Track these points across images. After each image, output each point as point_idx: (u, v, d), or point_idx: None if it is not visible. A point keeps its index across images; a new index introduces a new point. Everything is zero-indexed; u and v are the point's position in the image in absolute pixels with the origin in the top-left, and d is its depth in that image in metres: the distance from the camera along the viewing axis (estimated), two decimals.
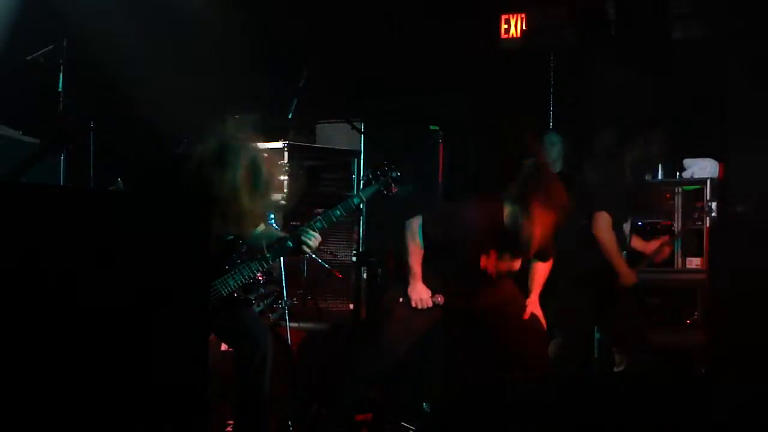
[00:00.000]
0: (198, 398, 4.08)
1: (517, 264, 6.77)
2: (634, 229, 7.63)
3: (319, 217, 6.13)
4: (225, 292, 5.86)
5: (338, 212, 6.20)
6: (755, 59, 8.81)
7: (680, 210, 8.63)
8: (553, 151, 8.48)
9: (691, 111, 9.07)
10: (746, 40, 8.96)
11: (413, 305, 6.73)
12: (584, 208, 7.27)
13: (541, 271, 6.95)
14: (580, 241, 7.25)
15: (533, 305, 6.92)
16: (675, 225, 8.50)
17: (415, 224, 6.71)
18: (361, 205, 6.75)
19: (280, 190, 7.84)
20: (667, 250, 7.82)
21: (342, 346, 7.83)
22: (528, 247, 6.51)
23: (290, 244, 6.00)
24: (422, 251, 6.70)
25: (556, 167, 8.46)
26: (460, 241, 6.68)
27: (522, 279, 6.94)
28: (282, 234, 6.23)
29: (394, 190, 6.54)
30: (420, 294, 6.73)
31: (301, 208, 7.95)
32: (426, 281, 6.74)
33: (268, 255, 5.99)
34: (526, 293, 6.94)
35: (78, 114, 7.79)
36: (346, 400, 7.10)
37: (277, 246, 6.01)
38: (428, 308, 6.79)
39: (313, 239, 6.00)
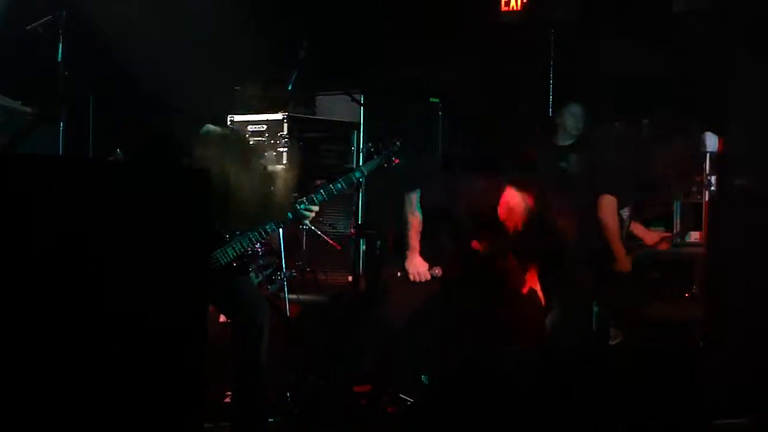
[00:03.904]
0: (196, 371, 4.09)
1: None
2: (634, 209, 7.64)
3: (320, 189, 6.17)
4: (224, 261, 5.90)
5: (339, 185, 6.24)
6: (756, 33, 8.78)
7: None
8: (574, 123, 8.32)
9: (690, 84, 9.04)
10: (747, 13, 8.93)
11: (411, 279, 6.75)
12: (586, 188, 7.26)
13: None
14: (581, 221, 7.24)
15: (532, 280, 6.94)
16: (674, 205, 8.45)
17: (414, 197, 6.73)
18: (362, 179, 6.77)
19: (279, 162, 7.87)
20: (665, 246, 7.82)
21: (340, 318, 7.83)
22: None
23: (289, 215, 6.05)
24: (421, 225, 6.72)
25: (571, 139, 8.33)
26: (457, 218, 6.70)
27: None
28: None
29: (396, 162, 6.54)
30: (417, 267, 6.75)
31: (300, 179, 7.95)
32: (424, 254, 6.75)
33: (267, 225, 6.03)
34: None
35: (77, 83, 7.78)
36: (344, 372, 7.12)
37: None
38: (426, 281, 6.81)
39: (311, 212, 6.05)
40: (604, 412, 4.86)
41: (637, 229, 7.69)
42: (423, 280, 6.77)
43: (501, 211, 6.80)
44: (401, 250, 6.79)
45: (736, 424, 5.44)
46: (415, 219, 6.74)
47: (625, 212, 7.36)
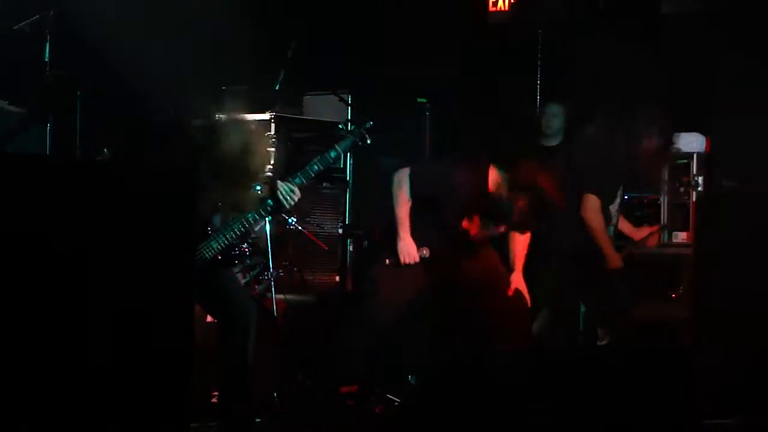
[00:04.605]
0: (183, 371, 4.08)
1: (500, 228, 6.84)
2: (623, 205, 7.64)
3: (298, 173, 6.16)
4: (209, 255, 5.87)
5: (316, 166, 6.23)
6: (744, 34, 8.80)
7: (666, 184, 8.62)
8: (555, 123, 8.39)
9: (678, 85, 9.05)
10: (736, 14, 8.94)
11: (402, 262, 6.78)
12: (572, 188, 7.26)
13: (519, 243, 7.00)
14: (568, 221, 7.24)
15: (517, 281, 6.97)
16: (661, 199, 8.43)
17: (403, 174, 6.78)
18: (340, 159, 6.76)
19: (266, 161, 7.84)
20: (655, 239, 7.85)
21: (327, 319, 7.83)
22: (508, 215, 6.62)
23: (270, 202, 6.03)
24: (410, 202, 6.76)
25: (557, 139, 8.41)
26: (445, 201, 6.73)
27: (505, 252, 6.99)
28: (261, 193, 6.26)
29: (369, 140, 6.53)
30: (408, 247, 6.78)
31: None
32: (412, 237, 6.81)
33: (249, 215, 6.00)
34: (508, 266, 6.99)
35: (64, 80, 7.77)
36: (331, 372, 7.12)
37: (258, 205, 6.03)
38: (413, 280, 6.84)
39: (292, 194, 6.02)
40: (591, 412, 4.86)
41: (625, 226, 7.70)
42: (413, 261, 6.81)
43: (490, 186, 6.86)
44: (391, 239, 6.82)
45: (725, 425, 5.45)
46: (404, 195, 6.79)
47: (614, 207, 7.37)
